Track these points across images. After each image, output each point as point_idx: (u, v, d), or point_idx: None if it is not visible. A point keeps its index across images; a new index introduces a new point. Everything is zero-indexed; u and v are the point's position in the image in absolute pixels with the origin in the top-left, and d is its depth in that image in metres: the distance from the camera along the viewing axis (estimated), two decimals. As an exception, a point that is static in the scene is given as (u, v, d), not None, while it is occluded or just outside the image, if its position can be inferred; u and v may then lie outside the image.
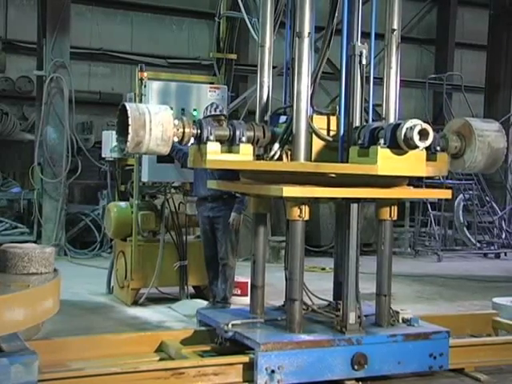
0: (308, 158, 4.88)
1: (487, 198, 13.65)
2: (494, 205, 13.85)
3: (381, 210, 5.08)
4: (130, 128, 4.39)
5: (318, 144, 4.95)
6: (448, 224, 13.44)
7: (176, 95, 7.16)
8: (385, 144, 4.57)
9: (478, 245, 13.33)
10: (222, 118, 6.55)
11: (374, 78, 5.01)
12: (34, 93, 12.91)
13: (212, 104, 6.63)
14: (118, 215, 7.41)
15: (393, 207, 5.06)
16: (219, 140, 4.75)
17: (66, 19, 10.96)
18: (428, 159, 4.79)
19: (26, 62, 13.89)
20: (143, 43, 15.30)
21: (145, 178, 7.17)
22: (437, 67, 18.12)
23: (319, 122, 4.99)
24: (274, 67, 5.34)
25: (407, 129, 4.49)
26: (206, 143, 4.68)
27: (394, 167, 4.61)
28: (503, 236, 13.69)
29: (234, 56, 8.27)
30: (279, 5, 5.36)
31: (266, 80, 5.24)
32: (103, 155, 7.95)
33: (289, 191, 4.60)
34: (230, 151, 4.81)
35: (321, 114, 5.05)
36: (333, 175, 4.74)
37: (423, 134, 4.49)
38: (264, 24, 5.27)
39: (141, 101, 7.09)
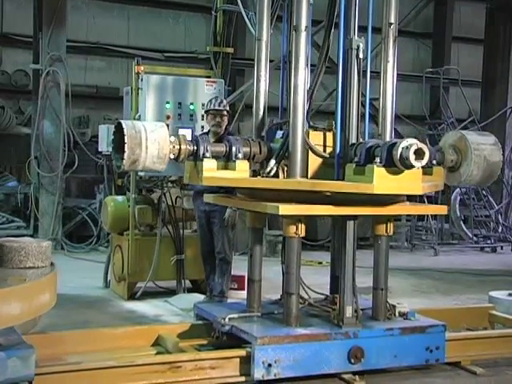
0: (304, 174, 4.88)
1: (484, 192, 13.68)
2: (491, 199, 13.88)
3: (377, 226, 5.08)
4: (125, 146, 4.39)
5: (314, 160, 4.95)
6: (445, 218, 13.46)
7: (173, 89, 7.15)
8: (381, 163, 4.56)
9: (475, 239, 13.37)
10: (225, 113, 6.53)
11: (371, 72, 5.00)
12: (30, 86, 12.88)
13: (216, 98, 6.61)
14: (114, 209, 7.41)
15: (389, 223, 5.07)
16: (215, 156, 4.76)
17: (62, 12, 10.93)
18: (424, 173, 4.77)
19: (22, 55, 13.87)
20: (140, 37, 15.28)
21: (141, 172, 7.16)
22: (434, 61, 18.11)
23: (315, 138, 4.98)
24: (271, 61, 5.34)
25: (403, 148, 4.47)
26: (202, 160, 4.69)
27: (389, 186, 4.60)
28: (500, 230, 13.73)
29: (230, 50, 8.23)
30: (276, -2, 5.35)
31: (262, 74, 5.24)
32: (100, 149, 7.94)
33: (285, 209, 4.60)
34: (226, 167, 4.82)
35: (317, 129, 5.04)
36: (329, 193, 4.74)
37: (419, 154, 4.47)
38: (261, 18, 5.26)
39: (138, 95, 7.09)
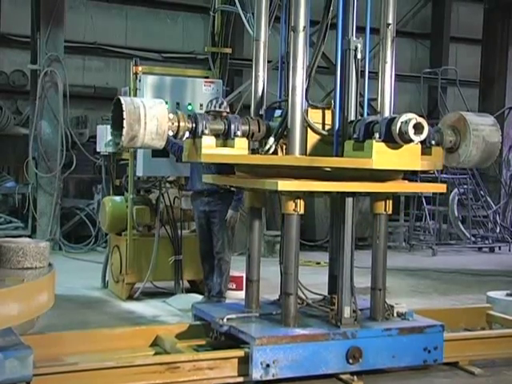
0: (303, 152, 4.88)
1: (482, 193, 13.68)
2: (489, 199, 13.88)
3: (376, 203, 5.08)
4: (124, 122, 4.38)
5: (313, 138, 4.95)
6: (443, 218, 13.47)
7: (171, 89, 7.15)
8: (380, 138, 4.57)
9: (473, 239, 13.36)
10: (225, 114, 6.53)
11: (369, 72, 5.01)
12: (28, 87, 12.86)
13: (217, 99, 6.61)
14: (112, 209, 7.40)
15: (388, 201, 5.06)
16: (214, 134, 4.75)
17: (60, 13, 10.90)
18: (423, 153, 4.79)
19: (19, 55, 13.83)
20: (138, 37, 15.26)
21: (140, 173, 7.16)
22: (432, 61, 18.12)
23: (314, 116, 4.98)
24: (269, 61, 5.34)
25: (402, 123, 4.50)
26: (201, 137, 4.68)
27: (388, 161, 4.61)
28: (497, 230, 13.73)
29: (228, 50, 8.22)
30: (274, -1, 5.35)
31: (260, 74, 5.24)
32: (98, 149, 7.93)
33: (284, 185, 4.61)
34: (225, 145, 4.81)
35: (316, 107, 5.04)
36: (328, 169, 4.74)
37: (418, 128, 4.50)
38: (259, 18, 5.26)
39: (135, 95, 7.08)
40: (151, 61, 13.18)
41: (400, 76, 13.41)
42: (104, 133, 7.58)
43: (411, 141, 4.51)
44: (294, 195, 4.75)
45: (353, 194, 4.93)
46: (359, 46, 4.88)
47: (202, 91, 7.23)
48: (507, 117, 14.49)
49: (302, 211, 4.79)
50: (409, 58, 18.11)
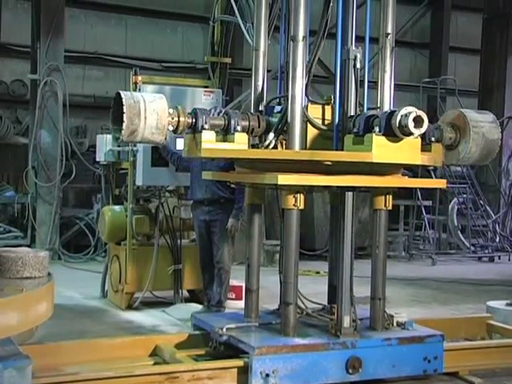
0: (303, 147, 4.88)
1: (481, 202, 13.68)
2: (488, 208, 13.88)
3: (376, 198, 5.06)
4: (124, 116, 4.38)
5: (313, 133, 4.94)
6: (442, 227, 13.47)
7: (170, 99, 7.02)
8: (380, 132, 4.56)
9: (472, 248, 13.35)
10: None
11: (369, 81, 5.01)
12: (27, 96, 12.89)
13: (216, 107, 6.61)
14: (112, 219, 7.40)
15: (388, 196, 5.03)
16: (214, 129, 4.75)
17: (60, 22, 10.96)
18: (423, 150, 4.78)
19: (19, 65, 13.87)
20: (137, 47, 15.31)
21: (139, 182, 7.15)
22: (431, 71, 18.18)
23: (314, 112, 4.98)
24: (268, 71, 5.35)
25: (402, 116, 4.49)
26: (200, 132, 4.68)
27: (389, 155, 4.60)
28: (497, 239, 13.72)
29: (228, 60, 8.26)
30: (274, 8, 5.36)
31: (260, 84, 5.25)
32: (97, 159, 7.93)
33: (284, 179, 4.59)
34: (224, 140, 4.80)
35: (316, 103, 5.04)
36: (328, 163, 4.72)
37: (418, 121, 4.49)
38: (258, 28, 5.27)
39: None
40: (151, 70, 13.21)
41: (399, 85, 13.41)
42: (103, 142, 7.58)
43: (411, 134, 4.50)
44: (294, 190, 4.73)
45: (353, 189, 4.90)
46: (358, 55, 4.89)
47: (202, 101, 7.24)
48: (506, 126, 14.51)
49: (301, 206, 4.77)
50: (408, 67, 18.15)
